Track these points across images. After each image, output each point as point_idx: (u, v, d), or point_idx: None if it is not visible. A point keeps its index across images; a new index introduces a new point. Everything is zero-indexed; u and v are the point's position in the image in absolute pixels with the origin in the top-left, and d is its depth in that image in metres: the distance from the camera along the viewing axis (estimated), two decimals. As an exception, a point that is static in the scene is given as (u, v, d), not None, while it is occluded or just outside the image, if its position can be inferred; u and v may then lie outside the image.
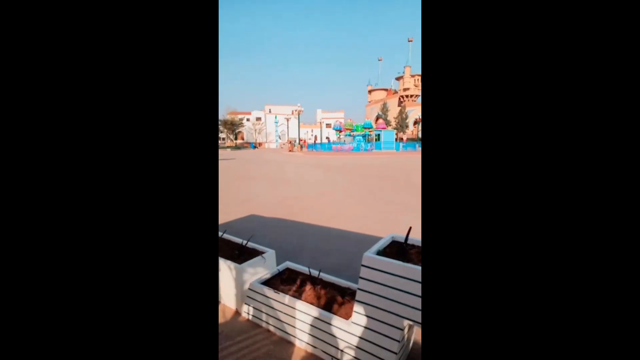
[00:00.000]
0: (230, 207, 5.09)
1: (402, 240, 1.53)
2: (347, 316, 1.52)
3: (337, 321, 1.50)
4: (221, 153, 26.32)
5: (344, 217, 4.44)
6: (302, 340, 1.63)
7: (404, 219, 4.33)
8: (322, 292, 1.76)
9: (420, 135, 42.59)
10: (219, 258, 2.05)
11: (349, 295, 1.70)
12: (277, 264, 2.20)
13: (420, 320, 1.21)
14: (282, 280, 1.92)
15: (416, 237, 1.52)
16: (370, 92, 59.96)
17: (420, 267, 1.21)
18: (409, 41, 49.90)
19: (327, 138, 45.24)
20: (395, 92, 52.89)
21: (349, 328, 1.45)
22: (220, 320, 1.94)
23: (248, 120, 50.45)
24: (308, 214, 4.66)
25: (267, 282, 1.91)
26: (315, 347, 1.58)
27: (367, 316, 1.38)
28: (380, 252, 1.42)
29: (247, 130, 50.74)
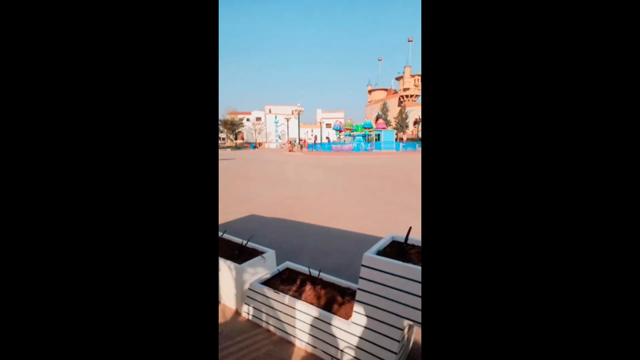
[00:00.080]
0: (230, 207, 5.09)
1: (402, 240, 1.53)
2: (347, 316, 1.52)
3: (337, 321, 1.50)
4: (221, 153, 26.33)
5: (344, 217, 4.44)
6: (302, 340, 1.63)
7: (404, 219, 4.33)
8: (322, 292, 1.76)
9: (420, 135, 42.61)
10: (219, 258, 2.05)
11: (349, 295, 1.70)
12: (277, 264, 2.20)
13: (420, 320, 1.21)
14: (282, 280, 1.92)
15: (416, 237, 1.52)
16: (370, 92, 59.97)
17: (420, 267, 1.21)
18: (409, 41, 49.92)
19: (327, 138, 45.23)
20: (395, 92, 52.89)
21: (349, 328, 1.45)
22: (220, 320, 1.94)
23: (248, 120, 50.44)
24: (308, 214, 4.66)
25: (267, 282, 1.91)
26: (315, 347, 1.58)
27: (367, 316, 1.38)
28: (381, 252, 1.42)
29: (247, 130, 50.74)
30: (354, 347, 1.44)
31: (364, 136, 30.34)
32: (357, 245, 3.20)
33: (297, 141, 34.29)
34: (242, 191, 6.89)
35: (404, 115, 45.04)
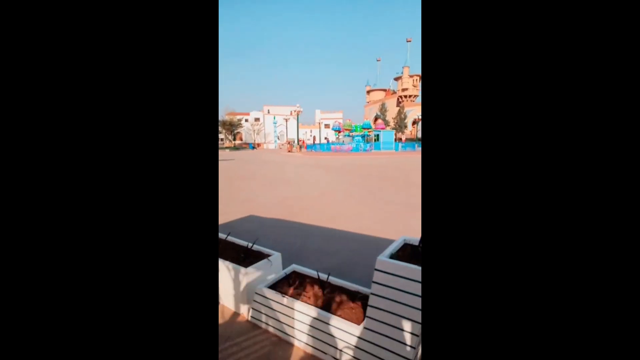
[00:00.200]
0: (231, 207, 5.05)
1: (413, 243, 1.50)
2: (358, 321, 1.48)
3: (348, 326, 1.46)
4: (220, 154, 26.24)
5: (345, 218, 4.40)
6: (312, 346, 1.59)
7: (405, 218, 4.30)
8: (332, 296, 1.72)
9: (419, 136, 42.70)
10: (225, 261, 2.01)
11: (359, 299, 1.66)
12: (282, 267, 2.16)
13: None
14: (290, 284, 1.88)
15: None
16: (368, 92, 59.97)
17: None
18: (407, 41, 49.99)
19: (326, 138, 45.18)
20: (394, 92, 52.91)
21: (361, 333, 1.41)
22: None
23: (246, 120, 50.34)
24: (309, 214, 4.62)
25: (274, 286, 1.87)
26: (326, 353, 1.54)
27: (381, 321, 1.34)
28: (394, 256, 1.38)
29: (246, 131, 50.63)
30: (366, 353, 1.40)
31: (363, 136, 30.34)
32: (360, 246, 3.17)
33: (296, 142, 34.22)
34: (242, 191, 6.84)
35: (402, 116, 45.07)
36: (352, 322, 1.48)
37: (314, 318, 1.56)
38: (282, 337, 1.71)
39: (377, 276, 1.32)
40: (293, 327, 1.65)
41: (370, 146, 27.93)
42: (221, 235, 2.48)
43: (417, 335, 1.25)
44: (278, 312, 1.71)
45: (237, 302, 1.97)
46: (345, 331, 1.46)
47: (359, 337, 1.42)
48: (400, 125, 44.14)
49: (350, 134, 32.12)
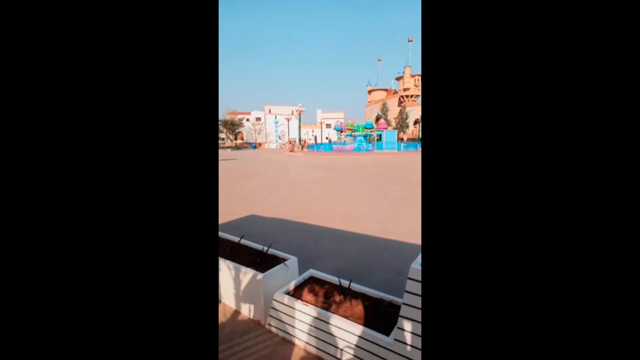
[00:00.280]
0: (236, 208, 4.98)
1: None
2: (385, 331, 1.41)
3: (376, 337, 1.38)
4: (222, 153, 26.19)
5: (353, 219, 4.32)
6: (334, 355, 1.51)
7: (416, 219, 4.22)
8: (354, 304, 1.64)
9: (420, 135, 42.56)
10: (240, 265, 1.94)
11: (384, 307, 1.59)
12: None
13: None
14: (309, 291, 1.81)
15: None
16: (370, 92, 59.83)
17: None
18: (409, 41, 49.83)
19: (328, 138, 45.10)
20: (395, 92, 52.77)
21: (390, 344, 1.34)
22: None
23: (248, 120, 50.26)
24: (317, 215, 4.55)
25: (293, 293, 1.79)
26: (350, 364, 1.46)
27: (413, 333, 1.26)
28: (426, 263, 1.30)
29: (247, 131, 50.56)
30: (396, 366, 1.32)
31: (365, 136, 30.25)
32: (374, 249, 3.10)
33: (298, 141, 34.13)
34: (246, 191, 6.77)
35: (404, 116, 44.96)
36: (379, 332, 1.41)
37: (338, 327, 1.48)
38: (302, 346, 1.64)
39: (410, 285, 1.24)
40: (317, 337, 1.58)
41: (372, 146, 27.85)
42: (234, 238, 2.41)
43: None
44: (298, 320, 1.64)
45: (254, 308, 1.89)
46: (373, 342, 1.39)
47: (387, 349, 1.35)
48: (401, 125, 44.07)
49: (353, 133, 32.04)
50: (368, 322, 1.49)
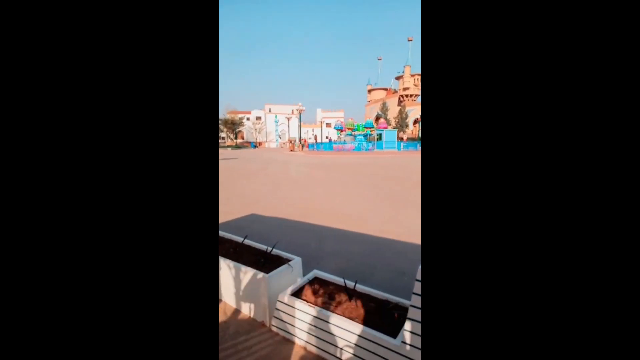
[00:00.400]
0: (237, 207, 4.96)
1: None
2: (392, 333, 1.40)
3: (382, 339, 1.37)
4: (222, 152, 26.17)
5: (354, 218, 4.31)
6: (341, 359, 1.50)
7: (417, 219, 4.20)
8: (360, 305, 1.63)
9: (420, 135, 42.53)
10: (243, 266, 1.93)
11: (390, 309, 1.58)
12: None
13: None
14: (314, 292, 1.79)
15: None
16: (369, 91, 59.74)
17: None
18: (408, 41, 49.75)
19: (328, 138, 45.05)
20: (395, 91, 52.71)
21: (397, 347, 1.33)
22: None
23: (248, 119, 50.23)
24: (318, 215, 4.53)
25: (297, 294, 1.78)
26: (356, 366, 1.45)
27: (421, 336, 1.25)
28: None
29: (247, 130, 50.52)
30: (403, 368, 1.31)
31: (365, 136, 30.22)
32: (376, 248, 3.08)
33: (298, 140, 34.08)
34: (247, 190, 6.75)
35: (404, 115, 44.91)
36: (386, 334, 1.39)
37: (344, 329, 1.47)
38: (308, 348, 1.62)
39: (419, 287, 1.23)
40: (321, 339, 1.56)
41: (372, 145, 27.83)
42: (237, 238, 2.39)
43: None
44: (303, 321, 1.62)
45: (256, 309, 1.88)
46: (379, 344, 1.38)
47: (394, 351, 1.33)
48: (401, 125, 44.04)
49: (353, 133, 32.01)
50: (374, 324, 1.48)
